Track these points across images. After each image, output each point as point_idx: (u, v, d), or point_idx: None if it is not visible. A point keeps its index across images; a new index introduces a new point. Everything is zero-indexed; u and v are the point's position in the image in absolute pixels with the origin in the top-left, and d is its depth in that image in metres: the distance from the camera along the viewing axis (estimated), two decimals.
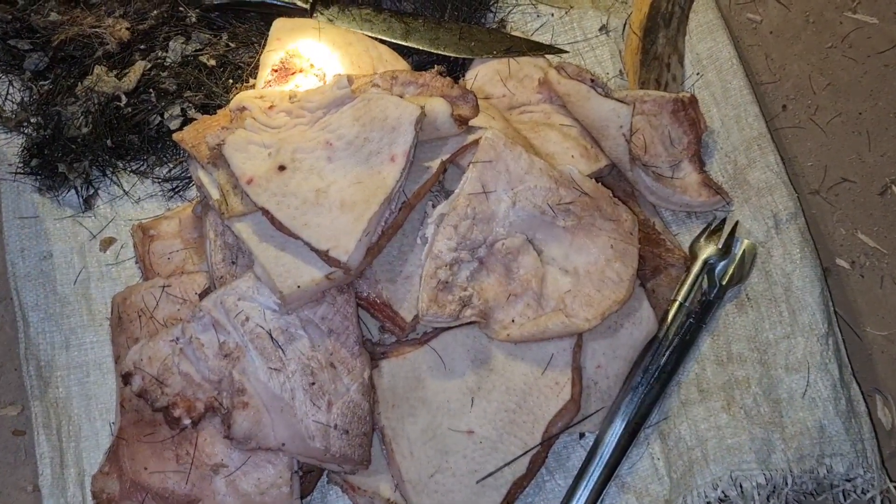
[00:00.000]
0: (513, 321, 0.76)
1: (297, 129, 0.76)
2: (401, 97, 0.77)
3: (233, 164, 0.74)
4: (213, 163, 0.76)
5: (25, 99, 0.90)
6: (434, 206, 0.78)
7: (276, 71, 0.84)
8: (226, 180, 0.75)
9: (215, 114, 0.83)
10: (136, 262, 0.84)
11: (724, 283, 0.83)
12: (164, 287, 0.79)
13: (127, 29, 0.89)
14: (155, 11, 0.90)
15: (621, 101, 0.83)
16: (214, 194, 0.76)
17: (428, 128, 0.76)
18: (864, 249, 0.90)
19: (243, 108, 0.78)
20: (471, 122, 0.78)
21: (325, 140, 0.75)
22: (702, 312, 0.82)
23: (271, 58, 0.85)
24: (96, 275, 0.84)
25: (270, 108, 0.78)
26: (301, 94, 0.78)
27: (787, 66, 0.97)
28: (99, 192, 0.87)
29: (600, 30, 0.95)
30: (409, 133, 0.73)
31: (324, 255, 0.71)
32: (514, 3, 0.95)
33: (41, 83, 0.89)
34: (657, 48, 0.92)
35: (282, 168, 0.74)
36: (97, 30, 0.89)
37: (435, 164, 0.77)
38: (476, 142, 0.78)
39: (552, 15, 0.95)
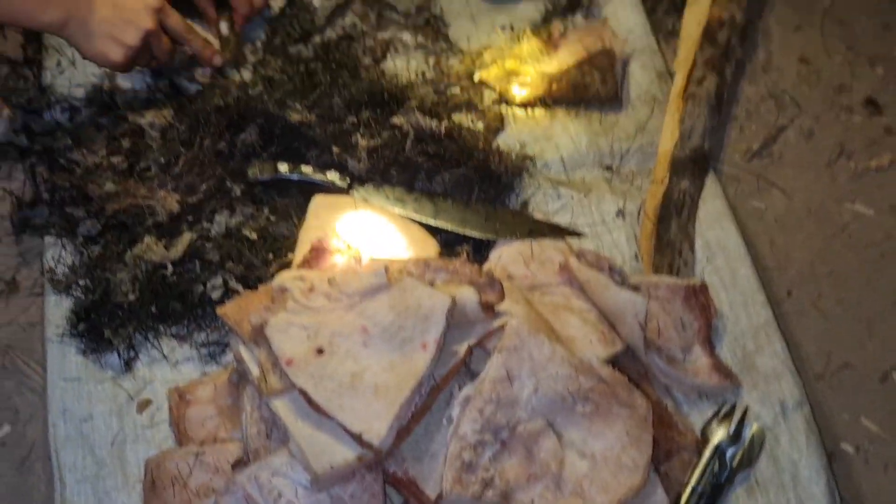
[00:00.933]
0: (532, 502, 0.79)
1: (335, 312, 0.81)
2: (432, 283, 0.83)
3: (274, 344, 0.79)
4: (255, 341, 0.81)
5: (76, 263, 0.95)
6: (460, 388, 0.82)
7: (314, 249, 0.90)
8: (266, 359, 0.80)
9: (256, 288, 0.89)
10: (170, 425, 0.88)
11: (734, 466, 0.86)
12: (197, 455, 0.83)
13: (177, 201, 0.96)
14: (204, 185, 0.97)
15: (637, 292, 0.88)
16: (255, 371, 0.80)
17: (457, 315, 0.81)
18: (867, 435, 0.93)
19: (284, 289, 0.83)
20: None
21: (362, 326, 0.80)
22: (713, 496, 0.85)
23: (309, 234, 0.92)
24: (132, 437, 0.88)
25: (310, 290, 0.83)
26: (339, 279, 0.83)
27: (790, 253, 1.03)
28: (139, 354, 0.92)
29: (617, 214, 1.02)
30: (440, 322, 0.78)
31: (357, 438, 0.75)
32: (537, 185, 1.02)
33: (92, 248, 0.95)
34: (670, 235, 0.98)
35: (320, 351, 0.79)
36: (149, 201, 0.95)
37: (462, 349, 0.82)
38: (501, 327, 0.83)
39: (572, 197, 1.02)
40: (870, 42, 1.16)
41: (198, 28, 1.07)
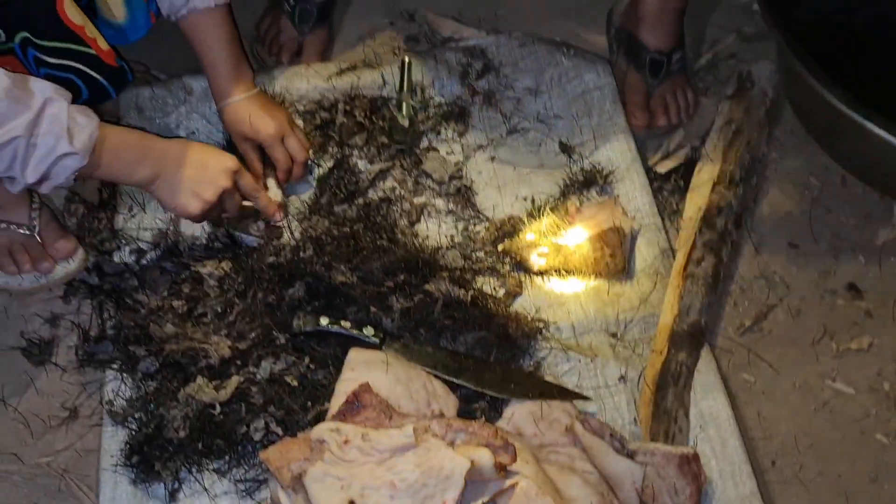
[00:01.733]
0: None
1: (367, 466, 0.92)
2: (453, 443, 0.93)
3: (310, 492, 0.89)
4: (293, 488, 0.91)
5: (133, 397, 1.06)
6: None
7: (348, 402, 1.01)
8: None
9: (294, 432, 0.99)
10: None
11: None
12: None
13: (228, 347, 1.07)
14: (253, 333, 1.09)
15: (635, 458, 0.99)
16: None
17: (474, 474, 0.91)
18: None
19: (322, 441, 0.94)
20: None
21: (390, 480, 0.90)
22: None
23: (345, 386, 1.03)
24: None
25: (345, 442, 0.94)
26: (373, 435, 0.94)
27: (776, 425, 1.13)
28: (182, 486, 1.02)
29: (619, 379, 1.12)
30: (459, 483, 0.89)
31: None
32: (549, 348, 1.14)
33: (149, 384, 1.07)
34: (667, 403, 1.09)
35: (351, 502, 0.89)
36: (204, 345, 1.07)
37: None
38: (512, 486, 0.93)
39: (580, 361, 1.14)
40: (852, 231, 1.29)
41: None
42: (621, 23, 1.41)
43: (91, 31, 1.07)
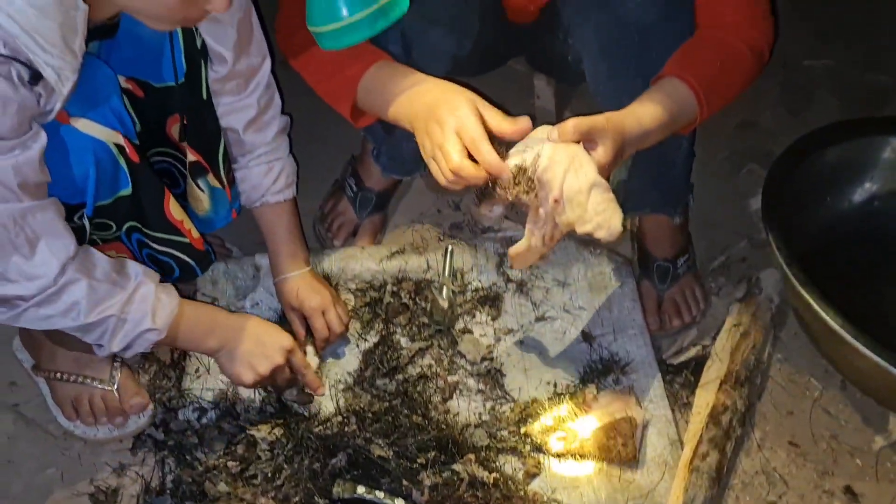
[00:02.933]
0: None
1: None
2: None
3: None
4: None
5: None
6: None
7: None
8: None
9: None
10: None
11: None
12: None
13: None
14: (297, 497, 1.21)
15: None
16: None
17: None
18: None
19: None
20: None
21: None
22: None
23: None
24: None
25: None
26: None
27: None
28: None
29: None
30: None
31: None
32: None
33: None
34: None
35: None
36: None
37: None
38: None
39: None
40: (851, 434, 1.40)
41: None
42: (635, 234, 1.59)
43: (187, 223, 1.27)
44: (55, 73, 0.96)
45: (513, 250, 1.21)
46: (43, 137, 1.01)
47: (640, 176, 1.47)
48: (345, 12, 0.92)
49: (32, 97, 0.97)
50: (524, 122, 1.12)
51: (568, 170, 1.09)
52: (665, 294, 1.53)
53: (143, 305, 1.12)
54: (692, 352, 1.49)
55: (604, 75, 1.35)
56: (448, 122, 1.11)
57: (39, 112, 1.00)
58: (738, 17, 1.28)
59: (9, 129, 0.96)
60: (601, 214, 1.11)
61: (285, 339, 1.28)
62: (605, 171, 1.12)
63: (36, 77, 0.96)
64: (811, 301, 1.32)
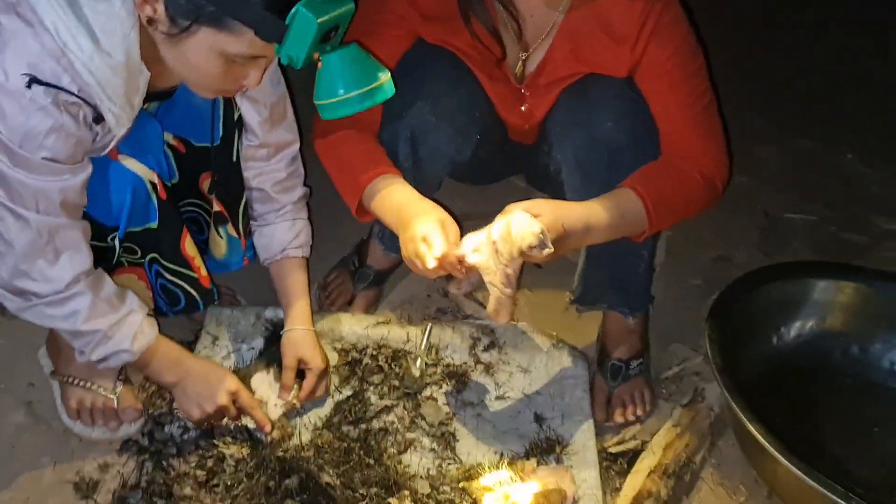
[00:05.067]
0: None
1: None
2: None
3: None
4: None
5: None
6: None
7: None
8: None
9: None
10: None
11: None
12: None
13: None
14: None
15: None
16: None
17: None
18: None
19: None
20: None
21: None
22: None
23: None
24: None
25: None
26: None
27: None
28: None
29: None
30: None
31: None
32: None
33: None
34: None
35: None
36: None
37: None
38: None
39: None
40: None
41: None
42: (599, 334, 1.77)
43: (199, 261, 1.51)
44: (115, 118, 1.23)
45: (488, 309, 1.39)
46: (89, 169, 1.26)
47: (596, 271, 1.67)
48: (341, 91, 1.18)
49: (90, 135, 1.23)
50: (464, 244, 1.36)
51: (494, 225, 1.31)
52: (615, 391, 1.69)
53: (128, 330, 1.34)
54: (632, 444, 1.62)
55: (577, 184, 1.58)
56: (419, 234, 1.36)
57: (93, 149, 1.26)
58: (697, 151, 1.51)
59: (66, 156, 1.21)
60: (525, 235, 1.29)
61: (231, 383, 1.46)
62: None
63: (98, 119, 1.22)
64: (738, 411, 1.46)
